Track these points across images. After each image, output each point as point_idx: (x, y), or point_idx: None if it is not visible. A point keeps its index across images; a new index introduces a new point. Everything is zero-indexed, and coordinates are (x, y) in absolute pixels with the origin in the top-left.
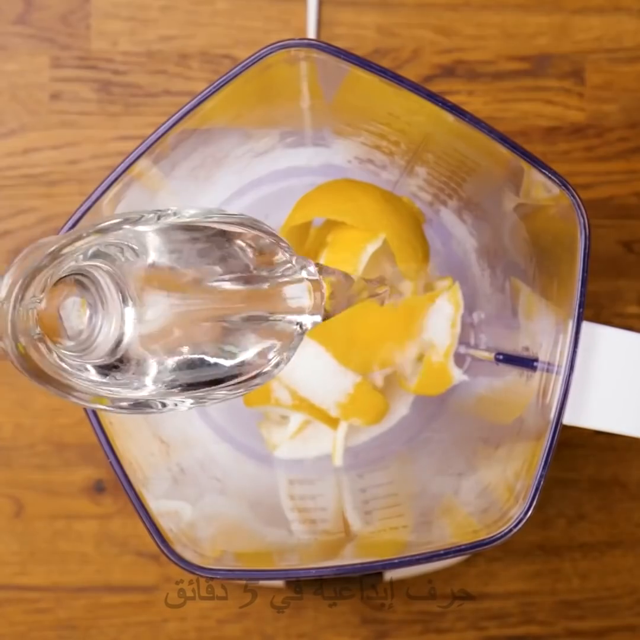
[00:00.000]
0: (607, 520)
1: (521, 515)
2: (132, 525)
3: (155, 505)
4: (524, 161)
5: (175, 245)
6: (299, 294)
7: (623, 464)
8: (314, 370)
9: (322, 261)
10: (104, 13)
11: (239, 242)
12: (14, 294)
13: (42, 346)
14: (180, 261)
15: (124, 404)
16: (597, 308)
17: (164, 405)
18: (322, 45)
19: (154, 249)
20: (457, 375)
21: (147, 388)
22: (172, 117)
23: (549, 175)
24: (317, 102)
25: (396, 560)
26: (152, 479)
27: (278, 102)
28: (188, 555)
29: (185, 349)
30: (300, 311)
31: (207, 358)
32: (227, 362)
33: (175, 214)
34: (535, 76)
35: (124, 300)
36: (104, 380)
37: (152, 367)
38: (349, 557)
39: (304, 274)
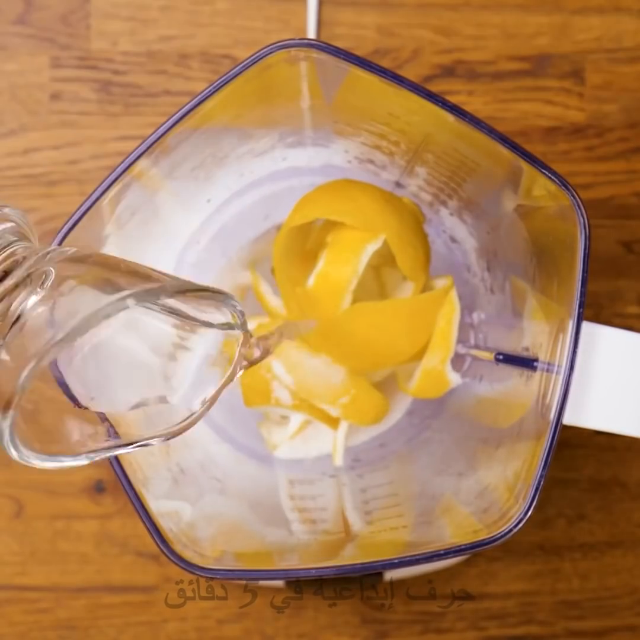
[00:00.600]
0: (607, 520)
1: (521, 515)
2: (132, 525)
3: (155, 505)
4: (524, 161)
5: None
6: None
7: (623, 464)
8: (314, 371)
9: (322, 261)
10: (104, 13)
11: None
12: None
13: None
14: None
15: None
16: (597, 308)
17: None
18: (322, 45)
19: None
20: (455, 379)
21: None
22: (172, 117)
23: (549, 175)
24: (317, 102)
25: (396, 560)
26: (152, 479)
27: (278, 102)
28: (188, 555)
29: None
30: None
31: None
32: None
33: None
34: (535, 76)
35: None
36: None
37: None
38: (349, 557)
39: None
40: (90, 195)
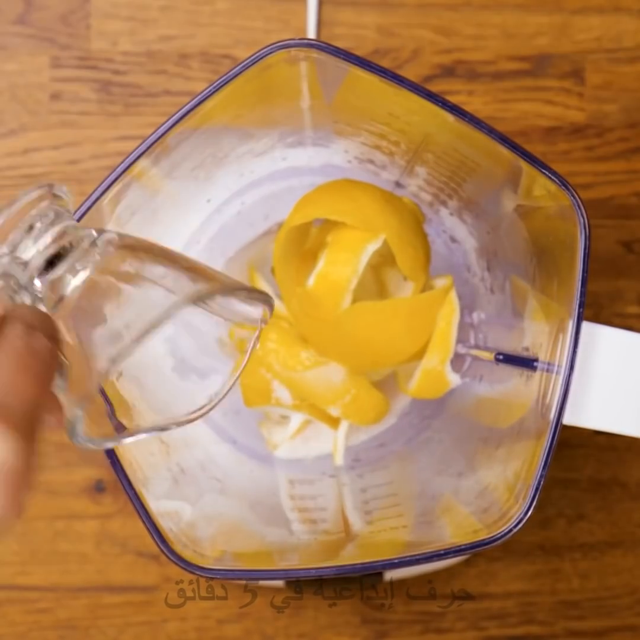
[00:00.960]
0: (607, 520)
1: (521, 515)
2: (132, 525)
3: (155, 505)
4: (524, 161)
5: None
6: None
7: (623, 464)
8: (315, 370)
9: (322, 261)
10: (104, 13)
11: None
12: None
13: None
14: None
15: None
16: (597, 308)
17: None
18: (322, 45)
19: None
20: (455, 380)
21: None
22: (172, 117)
23: (549, 175)
24: (317, 102)
25: (396, 560)
26: (152, 479)
27: (278, 102)
28: (188, 555)
29: None
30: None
31: None
32: None
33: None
34: (535, 76)
35: None
36: None
37: None
38: (349, 557)
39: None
40: (90, 195)
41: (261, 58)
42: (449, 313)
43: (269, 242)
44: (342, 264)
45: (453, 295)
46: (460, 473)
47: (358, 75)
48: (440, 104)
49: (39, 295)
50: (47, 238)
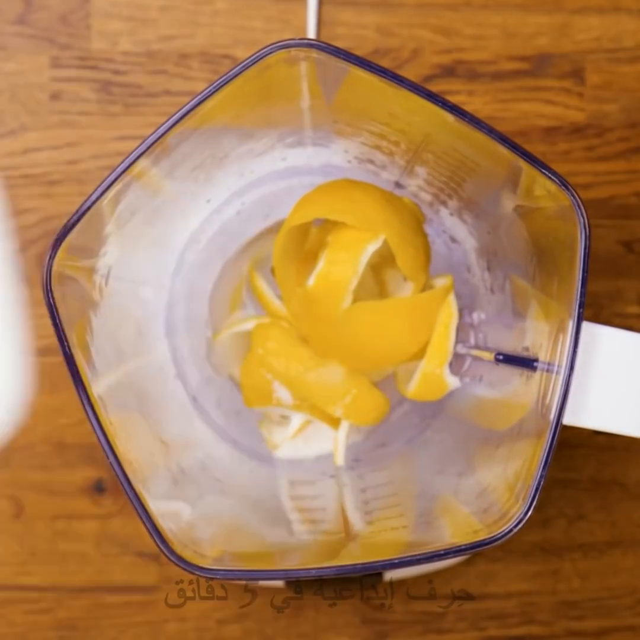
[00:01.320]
0: (607, 520)
1: (521, 515)
2: (132, 525)
3: (155, 505)
4: (524, 161)
5: None
6: None
7: (623, 464)
8: (315, 371)
9: (322, 261)
10: (104, 13)
11: None
12: None
13: None
14: None
15: None
16: (597, 308)
17: None
18: (322, 45)
19: None
20: (453, 382)
21: None
22: (172, 117)
23: (549, 175)
24: (317, 102)
25: (396, 560)
26: (152, 479)
27: (278, 102)
28: (188, 555)
29: None
30: None
31: None
32: None
33: None
34: (535, 76)
35: None
36: None
37: None
38: (349, 557)
39: None
40: (90, 195)
41: (261, 58)
42: (447, 317)
43: (269, 242)
44: (342, 264)
45: (452, 299)
46: (461, 473)
47: (358, 75)
48: (440, 104)
49: None
50: None
